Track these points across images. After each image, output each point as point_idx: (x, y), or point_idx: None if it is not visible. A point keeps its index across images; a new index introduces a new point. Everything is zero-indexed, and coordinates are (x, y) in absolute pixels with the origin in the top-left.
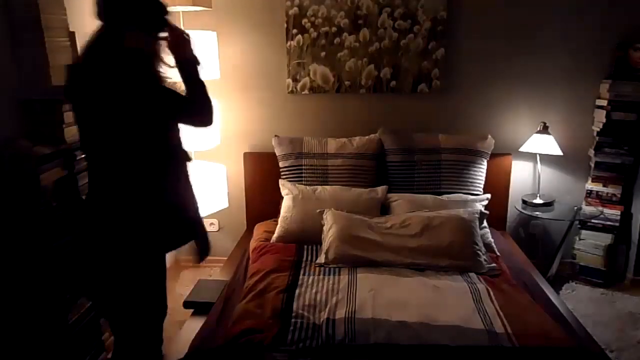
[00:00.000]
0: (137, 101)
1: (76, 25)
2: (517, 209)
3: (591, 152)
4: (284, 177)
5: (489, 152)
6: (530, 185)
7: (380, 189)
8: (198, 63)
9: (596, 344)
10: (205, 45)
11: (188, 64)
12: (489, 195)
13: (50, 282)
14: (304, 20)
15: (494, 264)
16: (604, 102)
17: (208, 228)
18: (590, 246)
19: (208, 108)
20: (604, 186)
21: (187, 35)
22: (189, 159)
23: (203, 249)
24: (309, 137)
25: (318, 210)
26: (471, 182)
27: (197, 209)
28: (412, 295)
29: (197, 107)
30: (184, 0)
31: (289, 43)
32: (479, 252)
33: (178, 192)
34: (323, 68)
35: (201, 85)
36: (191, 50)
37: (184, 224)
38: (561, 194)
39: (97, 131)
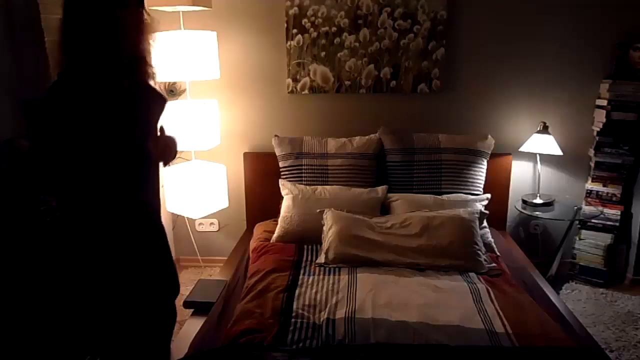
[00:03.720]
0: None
1: None
2: (517, 209)
3: (591, 152)
4: (284, 177)
5: (489, 152)
6: (530, 185)
7: (380, 189)
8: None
9: (596, 344)
10: (205, 45)
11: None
12: (489, 195)
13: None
14: (304, 20)
15: (494, 264)
16: (604, 102)
17: (208, 228)
18: (590, 246)
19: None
20: (604, 186)
21: (173, 141)
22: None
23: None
24: (308, 137)
25: (318, 210)
26: (471, 182)
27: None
28: (412, 295)
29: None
30: (184, 0)
31: (289, 43)
32: (479, 252)
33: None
34: (323, 68)
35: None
36: (175, 153)
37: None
38: (561, 194)
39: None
